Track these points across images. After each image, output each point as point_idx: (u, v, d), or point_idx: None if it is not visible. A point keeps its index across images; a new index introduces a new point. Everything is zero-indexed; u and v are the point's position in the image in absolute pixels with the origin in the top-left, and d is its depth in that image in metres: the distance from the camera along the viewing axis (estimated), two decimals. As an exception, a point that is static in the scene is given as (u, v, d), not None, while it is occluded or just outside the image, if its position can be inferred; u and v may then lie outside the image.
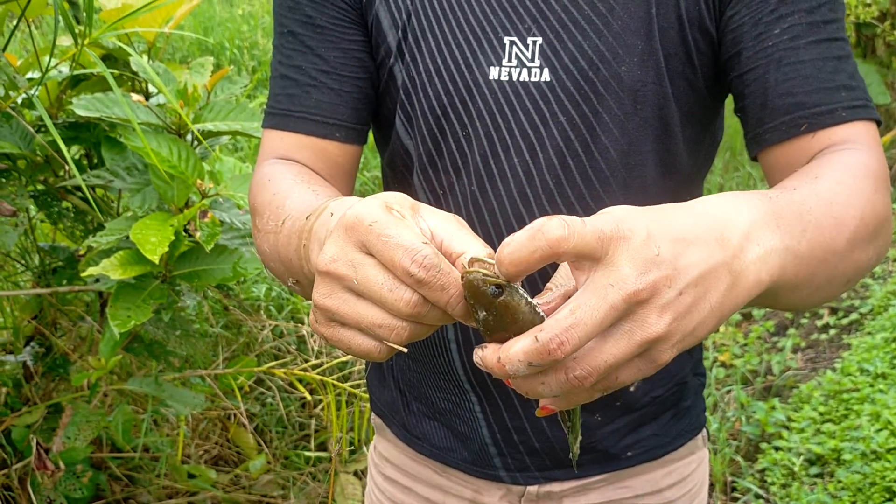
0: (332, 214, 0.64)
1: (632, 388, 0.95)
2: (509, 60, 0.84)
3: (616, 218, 0.51)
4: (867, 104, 0.79)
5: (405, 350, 0.57)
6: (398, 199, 0.57)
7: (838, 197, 0.68)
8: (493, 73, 0.85)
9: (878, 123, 0.80)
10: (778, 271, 0.58)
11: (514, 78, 0.84)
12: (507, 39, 0.84)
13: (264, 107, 0.95)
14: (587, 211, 0.86)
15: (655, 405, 0.98)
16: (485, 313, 0.52)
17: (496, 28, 0.84)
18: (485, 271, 0.52)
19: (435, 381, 0.99)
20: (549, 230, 0.49)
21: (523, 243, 0.49)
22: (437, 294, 0.53)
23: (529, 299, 0.53)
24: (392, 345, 0.56)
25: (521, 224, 0.87)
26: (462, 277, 0.53)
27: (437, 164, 0.90)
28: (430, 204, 0.90)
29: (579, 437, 0.67)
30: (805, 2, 0.78)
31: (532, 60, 0.84)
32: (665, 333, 0.50)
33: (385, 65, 0.90)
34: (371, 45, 0.90)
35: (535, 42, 0.83)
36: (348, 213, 0.55)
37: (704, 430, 1.06)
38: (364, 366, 1.11)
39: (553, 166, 0.85)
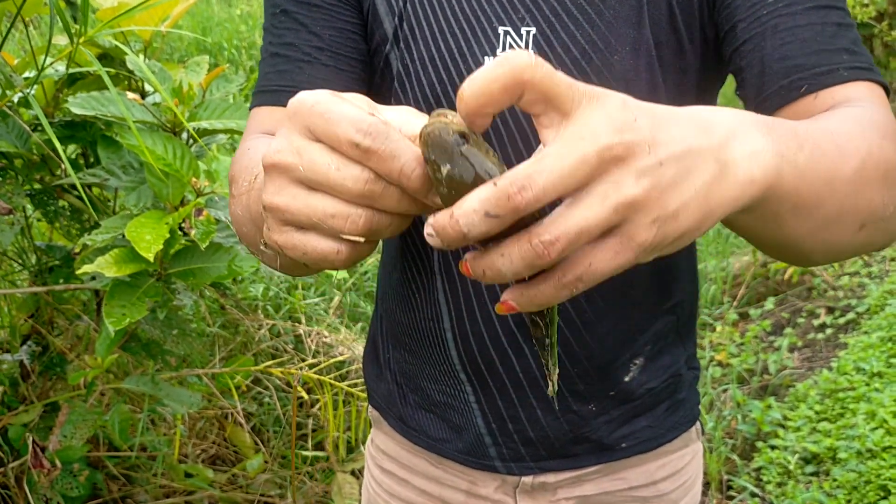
0: None
1: (626, 379, 0.95)
2: (503, 50, 0.85)
3: (590, 85, 0.47)
4: (872, 68, 0.75)
5: (361, 240, 0.52)
6: (352, 94, 0.53)
7: (840, 129, 0.64)
8: (487, 62, 0.85)
9: (886, 90, 0.76)
10: (773, 173, 0.53)
11: None
12: (501, 29, 0.84)
13: None
14: None
15: (650, 397, 0.98)
16: (448, 167, 0.46)
17: (490, 18, 0.85)
18: (446, 121, 0.47)
19: (431, 372, 1.00)
20: (514, 56, 0.45)
21: (486, 71, 0.45)
22: (388, 164, 0.48)
23: (496, 154, 0.47)
24: (350, 237, 0.52)
25: None
26: (420, 134, 0.47)
27: None
28: None
29: (557, 368, 0.61)
30: None
31: (526, 50, 0.84)
32: (643, 199, 0.45)
33: (380, 52, 0.89)
34: (366, 30, 0.90)
35: (528, 32, 0.84)
36: (291, 101, 0.52)
37: (698, 424, 1.07)
38: (362, 363, 1.11)
39: None
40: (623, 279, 0.90)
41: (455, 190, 0.47)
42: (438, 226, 0.46)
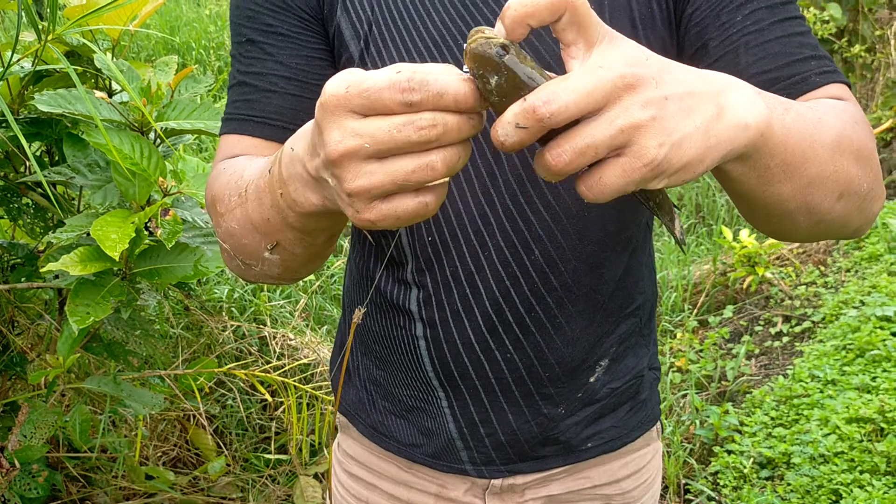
0: (292, 149, 0.64)
1: (591, 380, 0.98)
2: None
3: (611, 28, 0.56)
4: (836, 70, 0.83)
5: (446, 180, 0.57)
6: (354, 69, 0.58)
7: (818, 108, 0.72)
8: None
9: (849, 86, 0.83)
10: (764, 122, 0.60)
11: None
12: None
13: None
14: (549, 210, 0.89)
15: (614, 397, 1.01)
16: (496, 78, 0.53)
17: (455, 35, 0.86)
18: (487, 35, 0.53)
19: (402, 379, 1.01)
20: None
21: None
22: (442, 101, 0.53)
23: (534, 59, 0.54)
24: (436, 183, 0.56)
25: (487, 223, 0.90)
26: (466, 52, 0.54)
27: None
28: None
29: (676, 216, 0.66)
30: None
31: None
32: (647, 124, 0.53)
33: None
34: (333, 55, 0.91)
35: None
36: (322, 99, 0.56)
37: (658, 423, 1.10)
38: (329, 369, 1.12)
39: (516, 167, 0.88)
40: (590, 284, 0.93)
41: (504, 97, 0.53)
42: (492, 136, 0.54)
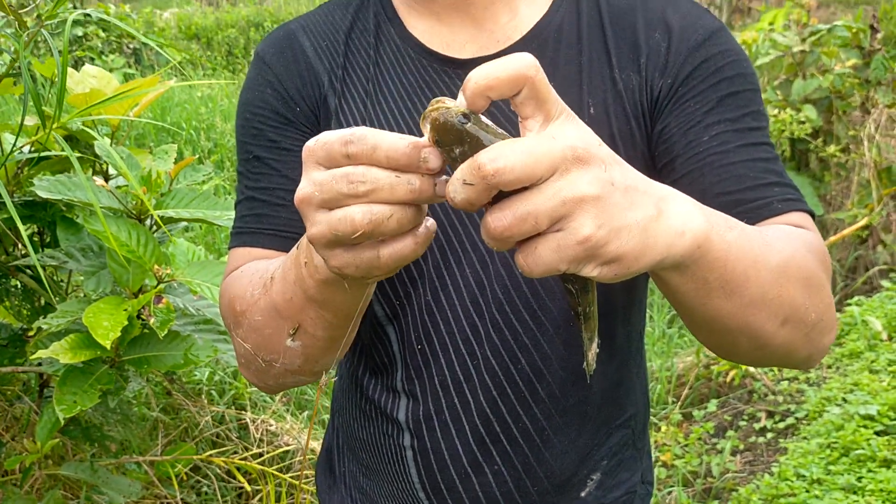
0: None
1: (582, 494, 0.96)
2: None
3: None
4: (800, 198, 0.83)
5: (360, 233, 0.57)
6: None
7: (769, 233, 0.72)
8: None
9: (812, 216, 0.84)
10: (703, 234, 0.61)
11: None
12: None
13: (223, 185, 0.95)
14: (535, 320, 0.89)
15: None
16: (459, 148, 0.54)
17: None
18: (446, 105, 0.54)
19: (388, 489, 0.99)
20: (522, 55, 0.53)
21: (497, 62, 0.53)
22: (374, 155, 0.55)
23: (496, 127, 0.55)
24: (356, 234, 0.57)
25: (475, 333, 0.90)
26: (428, 120, 0.55)
27: (392, 275, 0.92)
28: (386, 313, 0.92)
29: (596, 338, 0.64)
30: (730, 112, 0.84)
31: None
32: (591, 199, 0.53)
33: None
34: None
35: None
36: (304, 148, 0.60)
37: None
38: (315, 472, 1.10)
39: (502, 277, 0.89)
40: (578, 395, 0.92)
41: None
42: (445, 192, 0.55)
